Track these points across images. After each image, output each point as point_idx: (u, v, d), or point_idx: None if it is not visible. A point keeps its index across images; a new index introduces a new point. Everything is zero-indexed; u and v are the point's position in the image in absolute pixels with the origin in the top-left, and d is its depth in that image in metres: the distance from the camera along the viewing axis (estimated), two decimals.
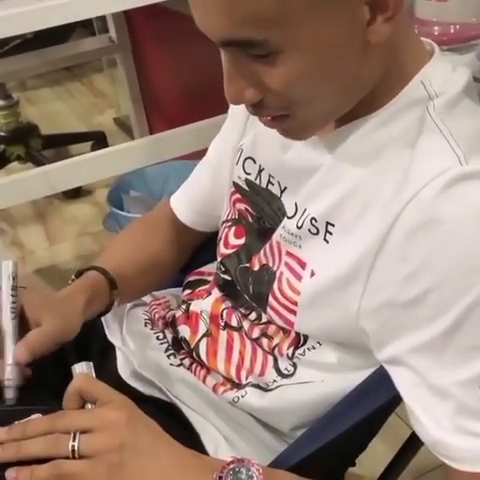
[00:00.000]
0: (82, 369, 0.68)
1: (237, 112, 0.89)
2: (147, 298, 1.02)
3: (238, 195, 0.87)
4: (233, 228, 0.88)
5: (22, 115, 2.74)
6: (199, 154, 1.04)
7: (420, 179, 0.60)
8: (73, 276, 0.89)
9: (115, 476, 0.60)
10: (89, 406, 0.66)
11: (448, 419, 0.61)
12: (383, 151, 0.65)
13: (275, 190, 0.79)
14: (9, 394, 0.74)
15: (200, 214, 1.00)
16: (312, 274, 0.71)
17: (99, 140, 2.89)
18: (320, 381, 0.77)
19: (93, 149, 2.83)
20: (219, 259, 0.89)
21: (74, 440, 0.61)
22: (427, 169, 0.61)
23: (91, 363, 0.69)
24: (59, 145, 2.94)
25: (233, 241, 0.87)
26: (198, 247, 1.07)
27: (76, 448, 0.61)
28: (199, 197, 0.99)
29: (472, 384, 0.60)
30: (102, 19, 2.73)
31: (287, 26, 0.56)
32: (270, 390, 0.80)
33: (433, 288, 0.60)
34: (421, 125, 0.64)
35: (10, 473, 0.61)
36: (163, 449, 0.63)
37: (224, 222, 0.90)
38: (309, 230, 0.71)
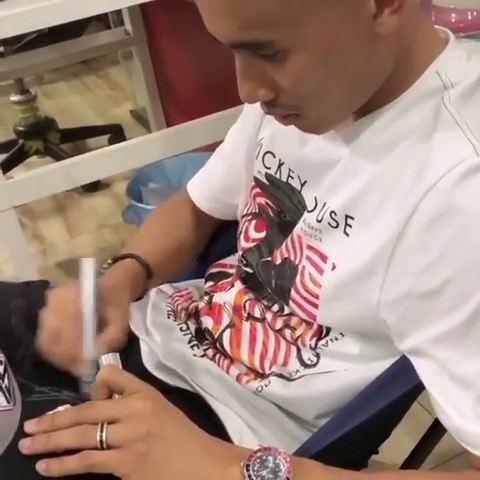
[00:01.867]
0: (109, 360, 0.70)
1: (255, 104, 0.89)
2: (169, 290, 1.04)
3: (258, 189, 0.87)
4: (253, 222, 0.88)
5: (40, 109, 2.76)
6: (216, 146, 1.05)
7: (437, 170, 0.61)
8: (109, 261, 0.92)
9: (143, 465, 0.61)
10: (116, 397, 0.67)
11: (470, 407, 0.62)
12: (400, 143, 0.65)
13: (295, 184, 0.80)
14: (86, 389, 0.76)
15: (215, 201, 1.01)
16: (333, 267, 0.71)
17: (116, 133, 2.90)
18: (343, 370, 0.77)
19: (110, 142, 2.84)
20: (240, 253, 0.90)
21: (102, 431, 0.62)
22: (444, 160, 0.61)
23: (117, 354, 0.71)
24: (77, 139, 2.95)
25: (253, 235, 0.88)
26: (216, 237, 1.08)
27: (104, 439, 0.62)
28: (213, 185, 1.01)
29: None
30: (117, 12, 2.72)
31: (292, 25, 0.57)
32: (293, 380, 0.80)
33: (452, 278, 0.60)
34: (437, 116, 0.64)
35: (40, 465, 0.63)
36: (189, 437, 0.64)
37: (244, 216, 0.90)
38: (329, 223, 0.72)
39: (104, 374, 0.67)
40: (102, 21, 3.24)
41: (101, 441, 0.62)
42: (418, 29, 0.66)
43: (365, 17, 0.58)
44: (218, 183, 1.00)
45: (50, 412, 0.68)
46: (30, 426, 0.65)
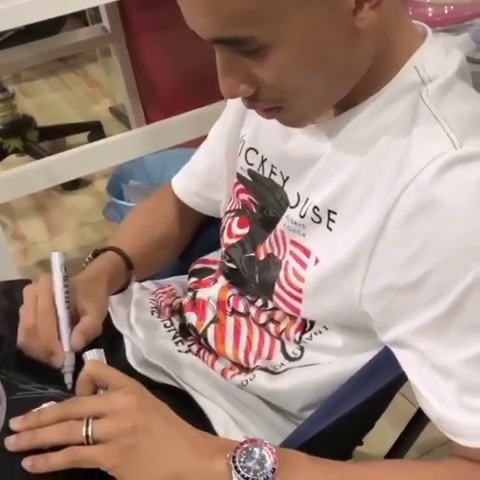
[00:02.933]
0: (93, 356, 0.70)
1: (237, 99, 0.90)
2: (152, 286, 1.04)
3: (241, 186, 0.88)
4: (236, 218, 0.89)
5: (18, 107, 2.73)
6: (197, 141, 1.05)
7: (416, 164, 0.61)
8: (90, 256, 0.93)
9: (129, 459, 0.61)
10: (101, 392, 0.67)
11: (452, 397, 0.63)
12: (380, 137, 0.66)
13: (278, 180, 0.80)
14: (68, 379, 0.78)
15: (199, 196, 1.01)
16: (316, 261, 0.72)
17: (95, 130, 2.88)
18: (327, 363, 0.78)
19: (90, 139, 2.83)
20: (223, 249, 0.90)
21: (87, 426, 0.62)
22: (423, 154, 0.62)
23: (102, 350, 0.71)
24: (56, 136, 2.93)
25: (237, 231, 0.88)
26: (198, 233, 1.09)
27: (90, 434, 0.62)
28: (197, 180, 1.01)
29: (474, 362, 0.61)
30: (95, 9, 2.71)
31: (272, 21, 0.57)
32: (278, 373, 0.81)
33: (433, 270, 0.61)
34: (415, 110, 0.65)
35: (26, 462, 0.63)
36: (175, 431, 0.64)
37: (227, 212, 0.91)
38: (312, 219, 0.72)
39: (89, 369, 0.67)
40: (79, 17, 3.22)
41: (87, 436, 0.62)
42: (397, 24, 0.67)
43: (345, 12, 0.59)
44: (201, 178, 1.00)
45: (35, 409, 0.68)
46: (15, 423, 0.65)
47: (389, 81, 0.67)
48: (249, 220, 0.87)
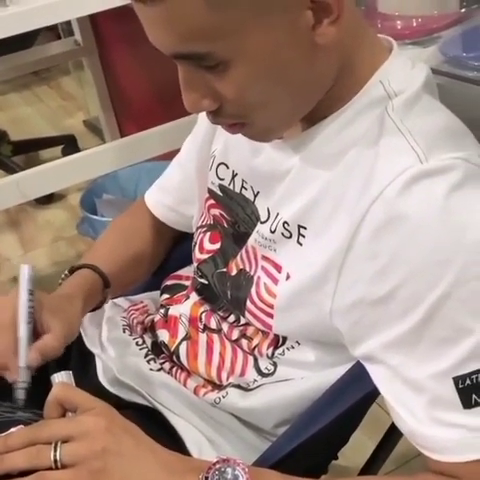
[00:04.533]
0: (61, 378, 0.69)
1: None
2: (125, 303, 1.03)
3: (212, 201, 0.87)
4: (208, 233, 0.88)
5: None
6: (171, 155, 1.05)
7: (383, 178, 0.62)
8: (66, 272, 0.91)
9: (102, 472, 0.60)
10: (70, 415, 0.66)
11: (424, 411, 0.62)
12: (348, 152, 0.66)
13: (248, 195, 0.80)
14: (20, 395, 0.76)
15: (172, 211, 1.01)
16: (287, 277, 0.72)
17: (69, 143, 2.87)
18: (300, 378, 0.78)
19: (64, 152, 2.82)
20: (195, 264, 0.89)
21: (55, 450, 0.61)
22: (389, 168, 0.62)
23: (70, 372, 0.69)
24: (29, 150, 2.92)
25: (208, 246, 0.88)
26: (171, 249, 1.08)
27: (58, 458, 0.61)
28: (169, 195, 1.00)
29: (445, 376, 0.61)
30: (67, 22, 2.70)
31: (230, 37, 0.57)
32: (251, 390, 0.80)
33: (402, 284, 0.61)
34: (381, 125, 0.65)
35: None
36: (146, 453, 0.63)
37: (199, 227, 0.90)
38: (282, 234, 0.72)
39: (57, 392, 0.66)
40: (52, 30, 3.21)
41: (55, 460, 0.61)
42: (361, 38, 0.67)
43: (304, 28, 0.59)
44: (174, 193, 1.00)
45: (3, 434, 0.66)
46: None
47: (355, 95, 0.67)
48: (221, 235, 0.86)
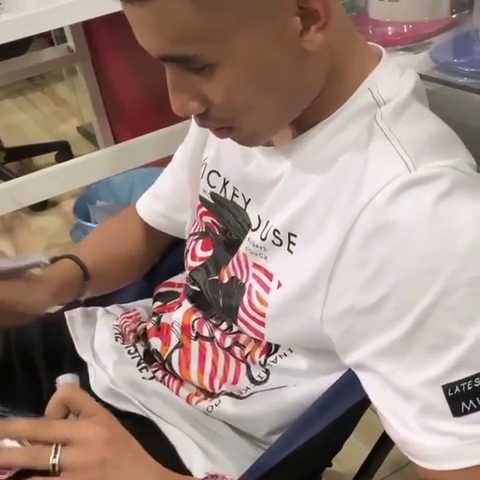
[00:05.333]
0: (67, 379, 0.68)
1: None
2: (117, 311, 1.03)
3: (204, 208, 0.87)
4: (200, 241, 0.88)
5: None
6: (164, 161, 1.05)
7: (372, 187, 0.62)
8: (47, 261, 0.90)
9: None
10: (71, 417, 0.65)
11: (414, 419, 0.62)
12: (338, 159, 0.66)
13: (240, 202, 0.80)
14: None
15: (164, 217, 1.01)
16: (279, 285, 0.72)
17: (63, 150, 2.87)
18: (293, 385, 0.78)
19: (57, 159, 2.81)
20: (188, 272, 0.89)
21: (55, 455, 0.60)
22: (378, 177, 0.62)
23: (76, 375, 0.69)
24: (23, 157, 2.91)
25: (200, 254, 0.88)
26: (163, 256, 1.08)
27: (57, 462, 0.60)
28: (162, 202, 1.01)
29: (435, 384, 0.61)
30: (60, 28, 2.70)
31: (217, 41, 0.57)
32: (244, 397, 0.80)
33: (392, 292, 0.61)
34: (370, 133, 0.65)
35: None
36: (143, 468, 0.63)
37: (191, 235, 0.90)
38: (273, 241, 0.72)
39: (62, 392, 0.65)
40: (45, 37, 3.21)
41: (53, 465, 0.60)
42: (351, 45, 0.67)
43: (291, 34, 0.59)
44: (166, 201, 1.00)
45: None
46: None
47: (344, 102, 0.67)
48: (213, 243, 0.86)
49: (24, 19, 1.38)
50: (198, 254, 0.88)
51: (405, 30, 1.13)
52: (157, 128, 1.71)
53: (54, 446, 0.61)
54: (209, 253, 0.86)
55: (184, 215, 0.96)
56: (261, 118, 0.65)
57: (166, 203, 1.00)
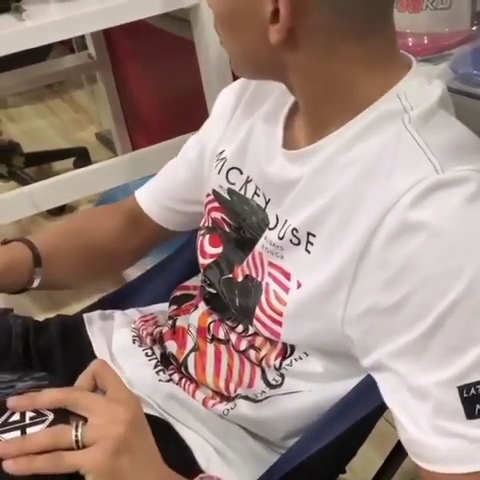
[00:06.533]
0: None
1: (218, 115, 0.91)
2: (135, 314, 1.03)
3: (216, 204, 0.87)
4: (207, 236, 0.89)
5: (4, 133, 2.74)
6: None
7: (398, 188, 0.62)
8: None
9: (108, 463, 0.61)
10: (99, 393, 0.67)
11: (426, 419, 0.62)
12: (362, 162, 0.67)
13: (260, 201, 0.81)
14: None
15: (168, 209, 1.01)
16: (299, 285, 0.72)
17: (81, 156, 2.89)
18: (308, 390, 0.78)
19: (75, 165, 2.84)
20: (201, 270, 0.90)
21: (77, 430, 0.62)
22: (405, 179, 0.63)
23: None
24: (41, 162, 2.94)
25: (209, 250, 0.88)
26: (175, 259, 1.08)
27: (79, 438, 0.62)
28: (170, 192, 1.00)
29: (450, 385, 0.61)
30: (81, 36, 2.73)
31: None
32: (259, 401, 0.80)
33: (413, 292, 0.61)
34: (398, 136, 0.66)
35: (8, 464, 0.61)
36: (152, 460, 0.65)
37: (198, 230, 0.91)
38: (291, 240, 0.72)
39: (96, 366, 0.67)
40: (66, 44, 3.24)
41: (76, 441, 0.61)
42: (384, 55, 0.68)
43: (262, 15, 0.65)
44: (175, 190, 0.99)
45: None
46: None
47: (367, 108, 0.68)
48: (221, 239, 0.87)
49: (47, 26, 1.39)
50: (207, 250, 0.88)
51: (425, 41, 1.13)
52: (174, 135, 1.72)
53: (75, 423, 0.62)
54: (219, 250, 0.87)
55: (191, 207, 0.97)
56: (229, 49, 0.74)
57: (176, 195, 0.99)
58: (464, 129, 0.69)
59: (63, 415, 0.64)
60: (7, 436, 0.64)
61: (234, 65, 0.77)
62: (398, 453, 0.98)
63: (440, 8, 1.10)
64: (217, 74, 1.56)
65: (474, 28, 1.11)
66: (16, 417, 0.65)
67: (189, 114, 1.85)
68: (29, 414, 0.65)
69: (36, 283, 0.93)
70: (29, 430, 0.64)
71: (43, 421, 0.64)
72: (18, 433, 0.64)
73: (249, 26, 0.67)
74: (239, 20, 0.68)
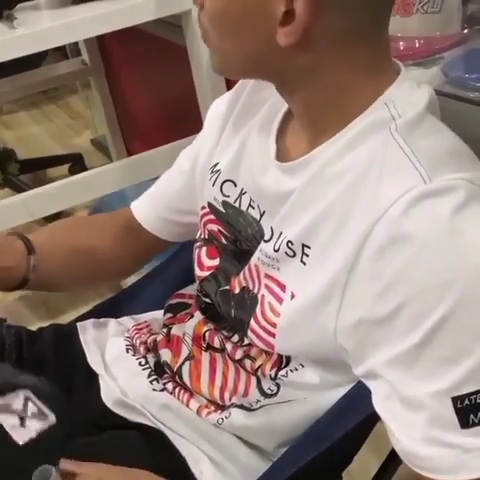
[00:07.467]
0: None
1: (210, 126, 0.91)
2: (129, 322, 1.03)
3: (211, 216, 0.87)
4: (204, 248, 0.88)
5: None
6: None
7: (386, 199, 0.62)
8: None
9: None
10: None
11: (419, 430, 0.62)
12: (352, 172, 0.67)
13: (255, 214, 0.80)
14: None
15: (164, 220, 1.00)
16: (292, 296, 0.72)
17: (76, 162, 2.89)
18: (303, 399, 0.78)
19: (71, 171, 2.83)
20: (198, 282, 0.90)
21: None
22: (393, 188, 0.62)
23: (50, 466, 0.68)
24: (36, 169, 2.93)
25: (207, 262, 0.88)
26: (172, 267, 1.08)
27: None
28: (165, 203, 1.00)
29: (443, 396, 0.61)
30: (74, 42, 2.73)
31: None
32: (254, 410, 0.80)
33: (406, 303, 0.61)
34: (385, 145, 0.65)
35: None
36: None
37: (193, 242, 0.91)
38: (286, 253, 0.72)
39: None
40: (60, 50, 3.24)
41: None
42: (371, 73, 0.68)
43: (271, 17, 0.63)
44: (170, 201, 0.99)
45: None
46: None
47: (357, 118, 0.67)
48: (218, 251, 0.87)
49: (39, 33, 1.39)
50: (205, 263, 0.88)
51: (417, 45, 1.13)
52: (169, 141, 1.72)
53: None
54: (216, 262, 0.87)
55: (186, 217, 0.96)
56: (222, 50, 0.71)
57: (171, 205, 0.99)
58: (453, 136, 0.68)
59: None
60: (7, 419, 0.63)
61: (224, 64, 0.73)
62: (395, 457, 0.97)
63: (431, 12, 1.10)
64: (210, 79, 1.55)
65: (465, 31, 1.11)
66: (18, 405, 0.64)
67: (183, 119, 1.85)
68: (31, 408, 0.65)
69: (33, 274, 0.93)
70: (28, 423, 0.63)
71: (43, 419, 0.64)
72: (17, 421, 0.63)
73: (254, 26, 0.65)
74: (243, 20, 0.66)
